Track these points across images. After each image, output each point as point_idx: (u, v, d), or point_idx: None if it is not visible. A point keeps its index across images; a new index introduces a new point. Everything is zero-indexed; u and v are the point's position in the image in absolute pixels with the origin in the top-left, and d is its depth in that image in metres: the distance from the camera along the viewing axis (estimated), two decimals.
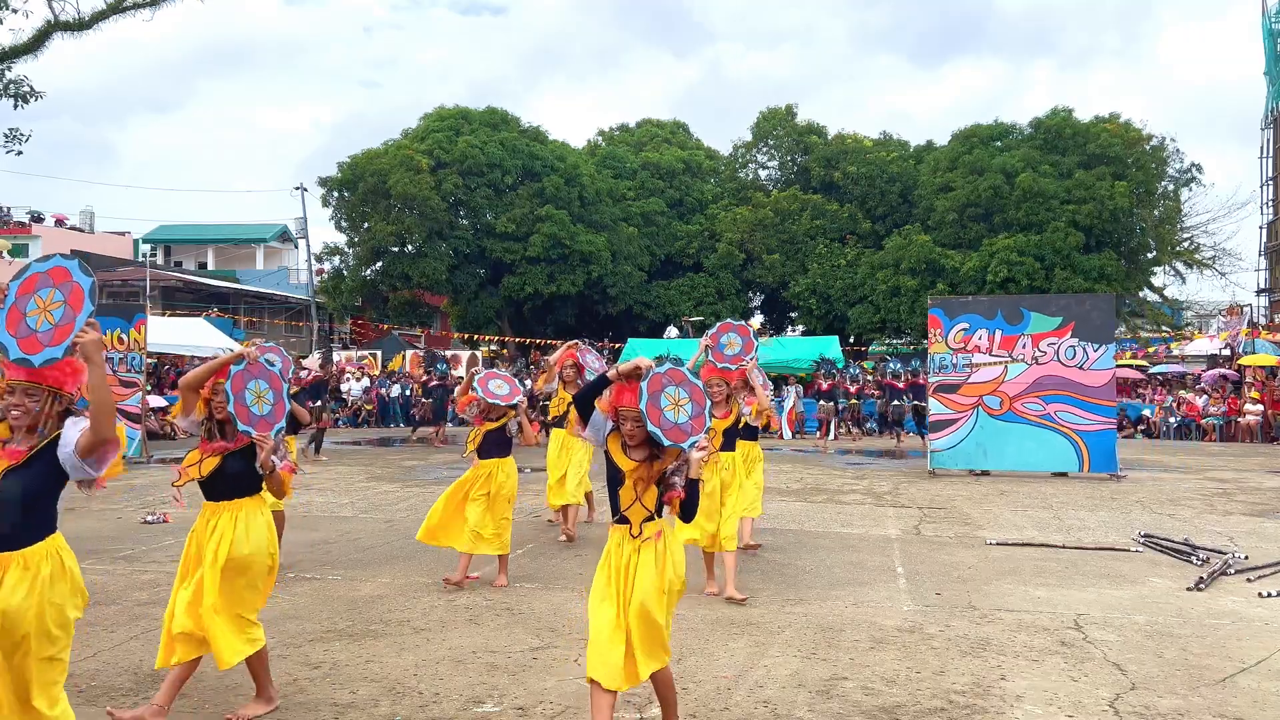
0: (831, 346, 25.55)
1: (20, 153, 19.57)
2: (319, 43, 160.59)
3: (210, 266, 49.66)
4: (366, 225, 34.47)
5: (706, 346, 6.97)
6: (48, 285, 3.36)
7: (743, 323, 7.35)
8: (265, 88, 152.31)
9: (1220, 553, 8.08)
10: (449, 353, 29.66)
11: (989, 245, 31.72)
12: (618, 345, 31.54)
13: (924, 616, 6.12)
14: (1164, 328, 35.92)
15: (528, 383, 9.44)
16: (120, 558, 7.99)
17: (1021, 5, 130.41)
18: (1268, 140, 37.53)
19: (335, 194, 34.90)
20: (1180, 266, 38.18)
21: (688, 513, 3.89)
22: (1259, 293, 38.14)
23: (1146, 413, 24.31)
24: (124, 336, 16.15)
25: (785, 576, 7.29)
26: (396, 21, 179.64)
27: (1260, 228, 38.31)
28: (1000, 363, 14.05)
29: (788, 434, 22.57)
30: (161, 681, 4.32)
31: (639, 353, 18.35)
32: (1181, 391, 25.53)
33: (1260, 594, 6.71)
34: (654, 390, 3.86)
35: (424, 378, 23.81)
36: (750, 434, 7.73)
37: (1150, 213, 33.61)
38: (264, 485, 4.41)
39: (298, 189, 37.18)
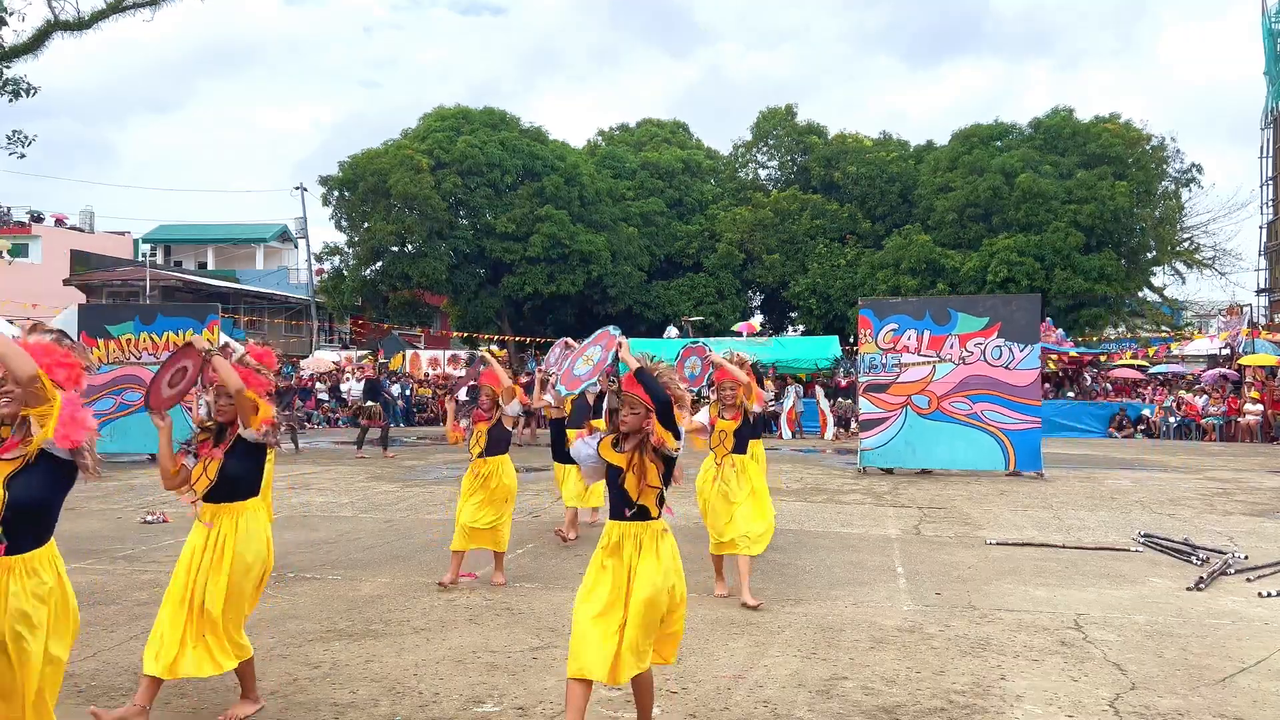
0: (831, 346, 25.57)
1: (23, 155, 19.65)
2: (319, 43, 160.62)
3: (210, 266, 49.67)
4: (366, 225, 34.47)
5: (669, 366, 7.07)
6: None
7: (699, 343, 7.60)
8: (265, 88, 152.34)
9: (1220, 553, 8.08)
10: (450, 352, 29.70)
11: (989, 245, 31.72)
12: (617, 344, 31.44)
13: (924, 616, 6.12)
14: (1164, 328, 35.92)
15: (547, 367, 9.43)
16: (120, 558, 7.99)
17: (1020, 5, 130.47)
18: (1268, 140, 37.53)
19: (335, 194, 34.90)
20: (1180, 266, 38.19)
21: (665, 415, 3.88)
22: (1259, 292, 38.14)
23: (1146, 412, 24.31)
24: (196, 336, 16.15)
25: (785, 576, 7.29)
26: (396, 21, 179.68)
27: (1260, 228, 38.32)
28: (928, 363, 14.20)
29: (787, 434, 22.60)
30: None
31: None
32: (1181, 391, 25.53)
33: (1260, 594, 6.71)
34: (580, 353, 4.22)
35: (457, 380, 23.80)
36: (753, 433, 7.75)
37: (1150, 213, 33.61)
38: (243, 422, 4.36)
39: (297, 189, 37.25)
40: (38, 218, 43.10)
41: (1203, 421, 23.59)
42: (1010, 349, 13.99)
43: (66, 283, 37.07)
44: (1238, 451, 19.81)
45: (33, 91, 18.96)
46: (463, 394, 7.46)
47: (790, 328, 38.35)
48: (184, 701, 4.54)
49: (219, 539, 4.26)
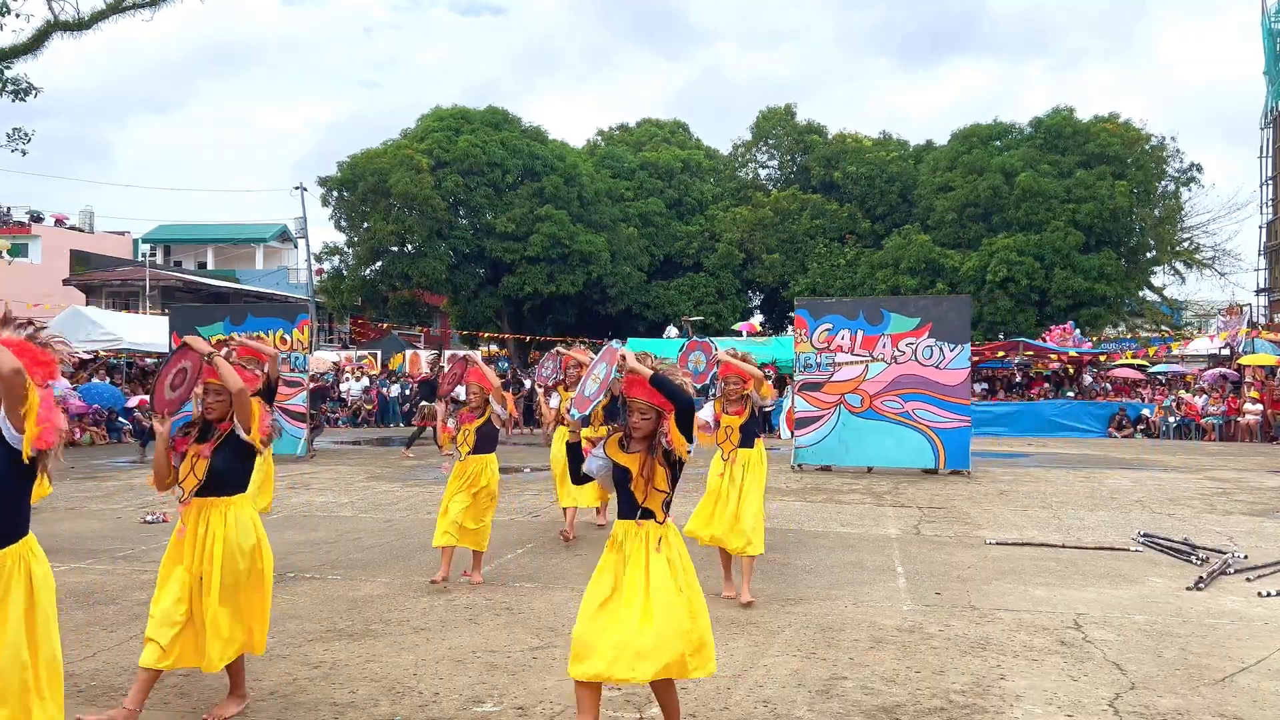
0: None
1: (25, 152, 19.69)
2: (319, 43, 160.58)
3: (210, 266, 49.68)
4: (366, 225, 34.49)
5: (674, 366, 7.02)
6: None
7: (706, 340, 7.56)
8: (265, 88, 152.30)
9: (1220, 552, 8.08)
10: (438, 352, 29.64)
11: (989, 245, 31.73)
12: (617, 343, 31.50)
13: (924, 616, 6.12)
14: (1164, 328, 35.94)
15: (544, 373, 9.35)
16: (120, 558, 7.99)
17: (1019, 4, 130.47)
18: (1267, 140, 37.55)
19: (335, 193, 34.92)
20: (1180, 266, 38.23)
21: (684, 420, 3.88)
22: (1258, 292, 38.16)
23: (1146, 412, 24.31)
24: (287, 337, 16.15)
25: (785, 576, 7.30)
26: (396, 21, 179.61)
27: (1260, 228, 38.34)
28: (861, 362, 14.32)
29: (786, 434, 22.57)
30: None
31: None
32: (1181, 391, 25.53)
33: (1260, 593, 6.71)
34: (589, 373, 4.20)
35: (443, 375, 23.80)
36: (748, 440, 7.76)
37: (1150, 212, 33.64)
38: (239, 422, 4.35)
39: (297, 189, 37.18)
40: (37, 218, 43.10)
41: (1202, 421, 23.60)
42: (941, 349, 14.16)
43: (66, 283, 37.09)
44: (1237, 451, 19.82)
45: (35, 93, 18.99)
46: (462, 392, 7.42)
47: (790, 328, 38.40)
48: (184, 702, 4.55)
49: (207, 532, 4.24)
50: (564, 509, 9.10)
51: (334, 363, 30.55)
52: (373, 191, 33.38)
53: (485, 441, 7.07)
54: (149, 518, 9.93)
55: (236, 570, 4.26)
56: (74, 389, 19.63)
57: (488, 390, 7.10)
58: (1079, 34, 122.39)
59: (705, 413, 6.79)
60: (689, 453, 3.92)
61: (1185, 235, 37.85)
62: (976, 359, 28.30)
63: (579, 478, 4.06)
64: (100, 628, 5.80)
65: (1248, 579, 7.18)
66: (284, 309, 17.33)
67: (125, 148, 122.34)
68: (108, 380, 21.84)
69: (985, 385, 27.22)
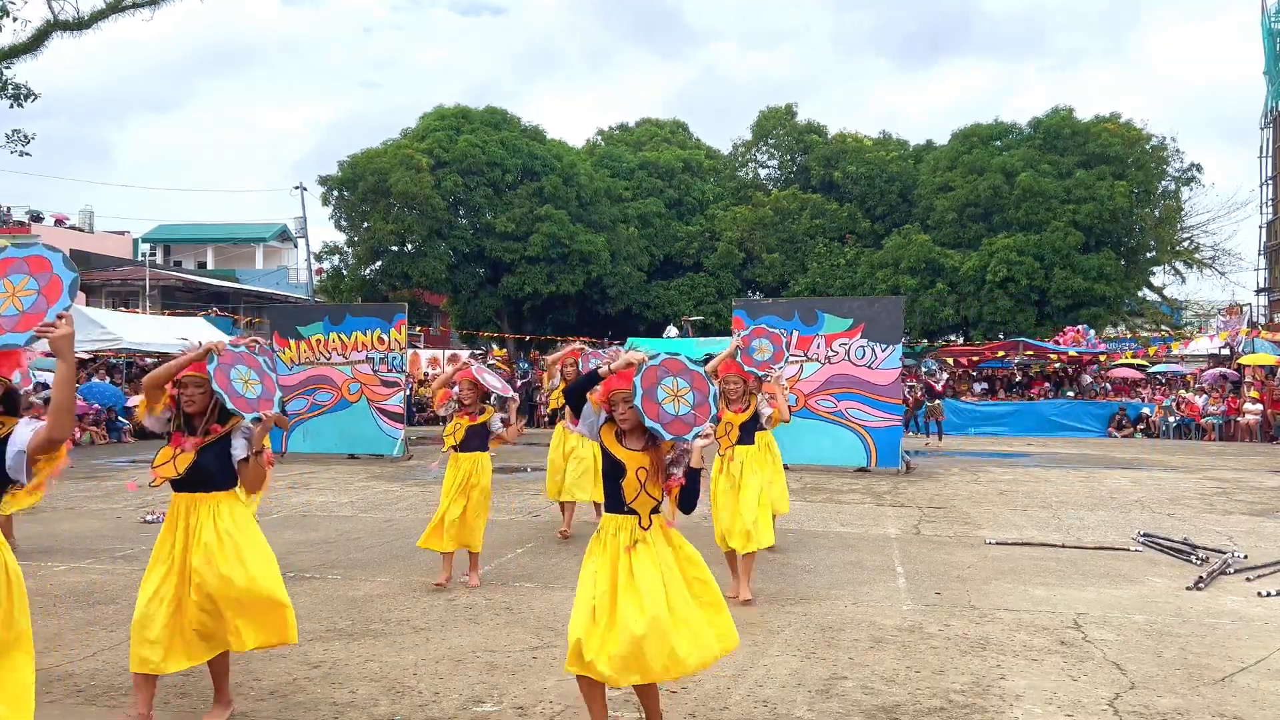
0: None
1: (27, 154, 19.77)
2: (319, 43, 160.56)
3: (210, 266, 49.68)
4: (366, 224, 34.47)
5: (738, 348, 6.93)
6: (22, 271, 3.16)
7: (776, 330, 7.36)
8: (265, 88, 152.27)
9: (1220, 552, 8.09)
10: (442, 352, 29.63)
11: (988, 245, 31.74)
12: (618, 344, 31.49)
13: (923, 616, 6.12)
14: (1163, 327, 35.93)
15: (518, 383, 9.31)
16: (120, 557, 7.99)
17: (1017, 4, 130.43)
18: (1267, 140, 37.53)
19: (335, 193, 34.91)
20: (1180, 266, 38.22)
21: (687, 503, 3.86)
22: (1258, 292, 38.15)
23: (1146, 411, 24.31)
24: (384, 336, 16.13)
25: (785, 576, 7.30)
26: (396, 22, 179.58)
27: (1260, 227, 38.32)
28: (796, 362, 14.38)
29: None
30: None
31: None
32: (1181, 391, 25.53)
33: (1259, 593, 6.72)
34: (649, 384, 3.77)
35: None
36: (747, 437, 7.75)
37: (1150, 212, 33.63)
38: (240, 481, 4.30)
39: (297, 188, 37.26)
40: (37, 217, 43.10)
41: (1202, 421, 23.60)
42: (873, 349, 14.31)
43: None
44: (1237, 451, 19.82)
45: (33, 97, 19.04)
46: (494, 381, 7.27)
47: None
48: (183, 701, 4.55)
49: (197, 527, 4.15)
50: (561, 505, 9.08)
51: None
52: (373, 191, 33.38)
53: (477, 439, 7.03)
54: (149, 517, 9.93)
55: (248, 558, 4.18)
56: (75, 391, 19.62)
57: (481, 389, 7.06)
58: (1078, 34, 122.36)
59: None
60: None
61: (1185, 235, 37.85)
62: (976, 358, 28.38)
63: (577, 406, 3.96)
64: (100, 627, 5.80)
65: (1247, 579, 7.18)
66: (383, 309, 17.23)
67: (125, 148, 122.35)
68: (108, 380, 21.84)
69: (985, 385, 27.22)
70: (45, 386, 19.35)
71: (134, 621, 4.11)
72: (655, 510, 3.86)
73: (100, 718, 4.34)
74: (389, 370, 16.27)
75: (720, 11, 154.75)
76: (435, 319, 43.12)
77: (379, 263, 35.32)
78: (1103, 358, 28.31)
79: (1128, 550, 8.37)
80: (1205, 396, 24.28)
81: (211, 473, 4.23)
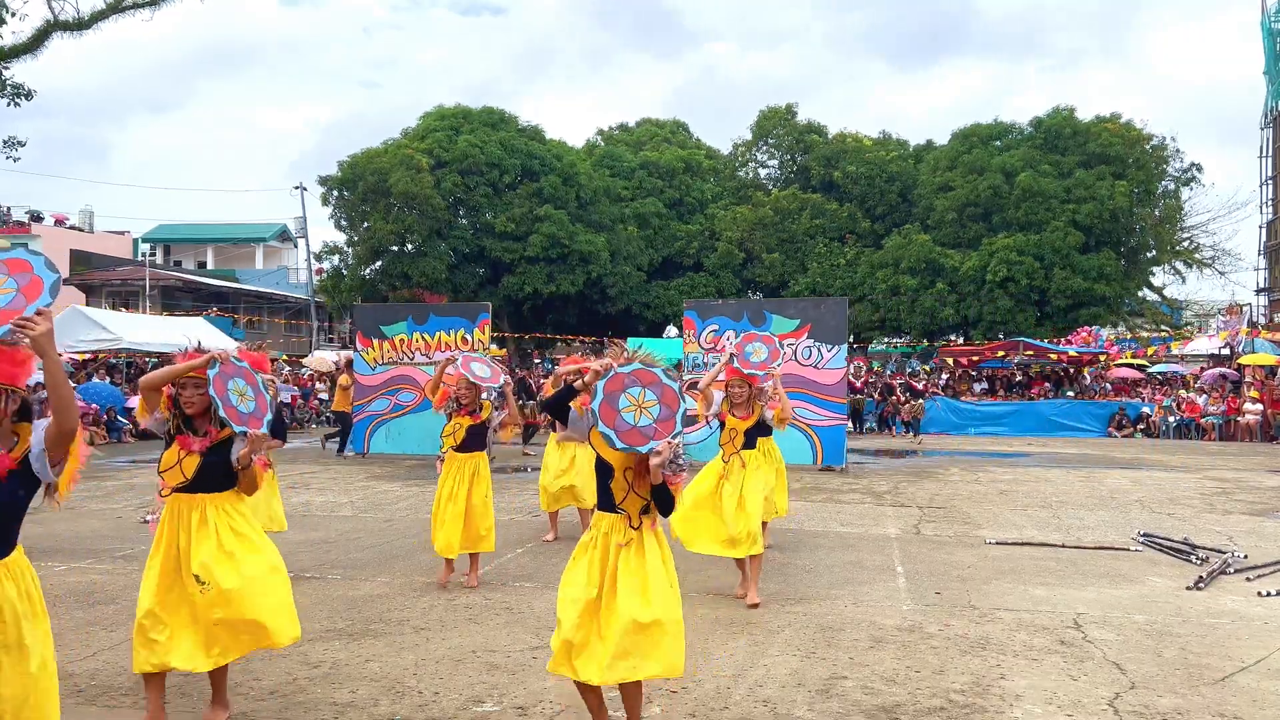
0: None
1: (18, 159, 19.79)
2: (318, 43, 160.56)
3: (210, 266, 49.68)
4: (366, 224, 34.48)
5: (732, 355, 6.95)
6: (0, 272, 3.14)
7: (767, 332, 7.39)
8: (265, 88, 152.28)
9: (1220, 552, 8.09)
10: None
11: (988, 245, 31.74)
12: (617, 342, 31.49)
13: (923, 616, 6.12)
14: (1164, 327, 35.94)
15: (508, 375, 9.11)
16: (120, 557, 7.99)
17: (1016, 4, 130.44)
18: (1267, 140, 37.52)
19: (335, 193, 34.91)
20: (1180, 266, 38.22)
21: (662, 509, 3.86)
22: (1258, 292, 38.15)
23: (1146, 411, 24.32)
24: (468, 336, 16.09)
25: (785, 576, 7.30)
26: (396, 22, 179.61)
27: (1260, 227, 38.32)
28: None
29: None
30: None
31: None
32: (1181, 391, 25.53)
33: (1259, 593, 6.72)
34: (611, 390, 3.76)
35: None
36: (762, 430, 7.78)
37: (1150, 212, 33.64)
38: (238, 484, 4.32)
39: (297, 188, 37.24)
40: (37, 217, 43.12)
41: (1202, 421, 23.60)
42: (819, 349, 14.48)
43: (66, 282, 37.04)
44: (1237, 451, 19.82)
45: (31, 96, 19.07)
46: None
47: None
48: (184, 701, 4.54)
49: (197, 529, 4.17)
50: (550, 516, 9.02)
51: (334, 363, 30.50)
52: (372, 191, 33.39)
53: (476, 440, 7.02)
54: (149, 517, 9.92)
55: (257, 549, 4.23)
56: (74, 389, 19.62)
57: (479, 389, 7.03)
58: (1078, 34, 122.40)
59: (715, 404, 6.83)
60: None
61: (1185, 235, 37.85)
62: (976, 358, 28.38)
63: (561, 416, 4.05)
64: (100, 628, 5.80)
65: (1247, 579, 7.18)
66: (466, 309, 17.15)
67: (125, 148, 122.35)
68: (108, 380, 21.84)
69: (985, 385, 27.23)
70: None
71: (136, 624, 4.12)
72: (645, 511, 3.87)
73: (100, 718, 4.34)
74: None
75: (719, 12, 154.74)
76: None
77: (379, 263, 35.33)
78: (1103, 357, 28.32)
79: (1128, 550, 8.37)
80: (1205, 396, 24.28)
81: (216, 474, 4.24)
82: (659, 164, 37.73)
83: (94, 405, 19.45)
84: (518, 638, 5.59)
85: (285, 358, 31.38)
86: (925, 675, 4.92)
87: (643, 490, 3.85)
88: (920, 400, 23.57)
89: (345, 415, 17.16)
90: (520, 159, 34.63)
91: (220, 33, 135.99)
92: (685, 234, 36.90)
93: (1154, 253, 34.75)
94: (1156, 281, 37.68)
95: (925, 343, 35.16)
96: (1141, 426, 23.86)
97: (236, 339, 29.33)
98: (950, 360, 29.37)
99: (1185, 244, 37.93)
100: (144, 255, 47.34)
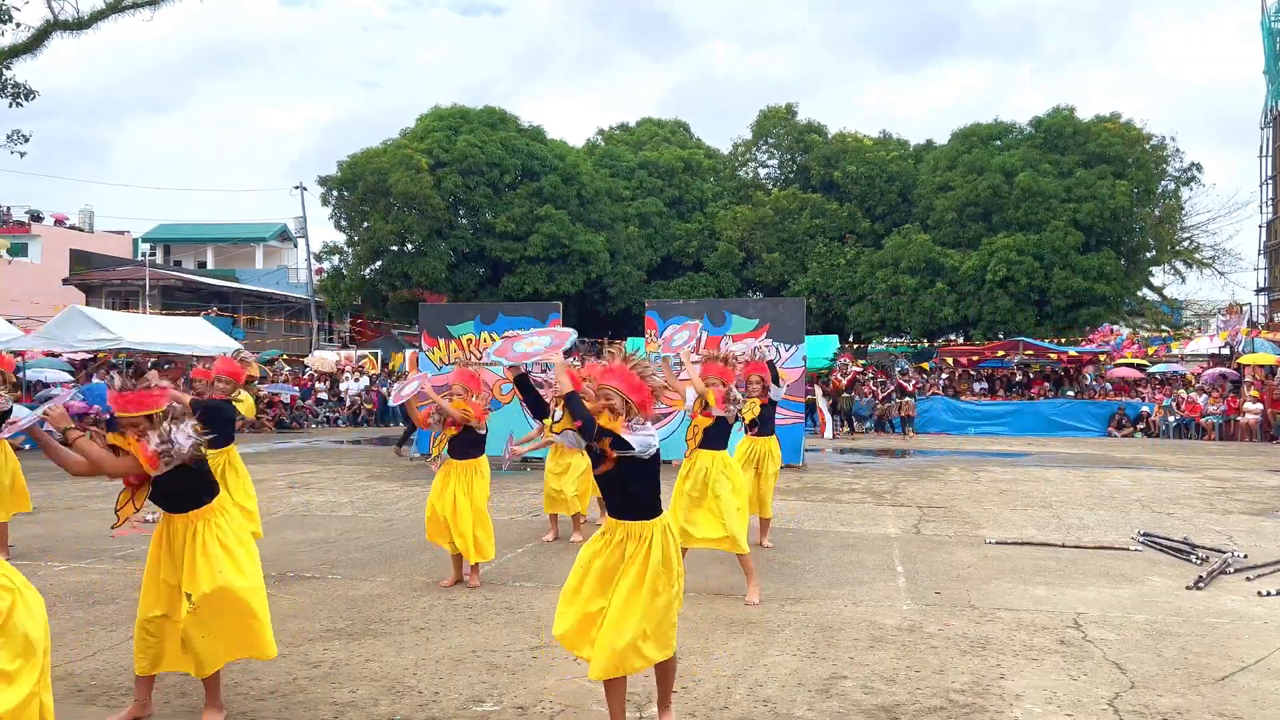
0: (830, 346, 25.58)
1: (23, 154, 19.77)
2: (318, 43, 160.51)
3: (210, 266, 49.66)
4: (366, 224, 34.49)
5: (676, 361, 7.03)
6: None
7: (726, 332, 7.50)
8: (265, 88, 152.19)
9: (1220, 552, 8.09)
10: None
11: (988, 244, 31.74)
12: (618, 344, 31.53)
13: (923, 615, 6.12)
14: (1163, 327, 35.93)
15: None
16: (120, 557, 7.99)
17: (1017, 4, 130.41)
18: (1268, 140, 37.50)
19: (335, 193, 34.92)
20: (1180, 266, 38.20)
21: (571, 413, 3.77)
22: (1258, 292, 38.13)
23: (1146, 410, 24.31)
24: None
25: (784, 575, 7.30)
26: (396, 22, 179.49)
27: (1260, 227, 38.30)
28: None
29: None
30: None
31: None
32: (1181, 390, 25.53)
33: (1259, 593, 6.72)
34: (506, 348, 4.39)
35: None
36: (765, 429, 7.81)
37: (1150, 212, 33.63)
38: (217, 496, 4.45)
39: (297, 188, 37.22)
40: (37, 217, 43.11)
41: (1202, 421, 23.60)
42: (778, 349, 14.53)
43: (66, 282, 37.10)
44: (1237, 451, 19.82)
45: (32, 96, 19.05)
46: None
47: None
48: (183, 701, 4.55)
49: (195, 540, 4.27)
50: (551, 516, 9.02)
51: (334, 362, 30.53)
52: (372, 191, 33.39)
53: (472, 446, 7.01)
54: (149, 517, 9.92)
55: (250, 558, 4.35)
56: (74, 389, 19.63)
57: (470, 393, 7.03)
58: (1078, 34, 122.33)
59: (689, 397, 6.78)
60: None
61: (1185, 235, 37.84)
62: (976, 358, 28.38)
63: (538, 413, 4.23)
64: (100, 627, 5.80)
65: (1247, 578, 7.18)
66: (536, 308, 17.06)
67: (124, 147, 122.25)
68: (108, 379, 21.83)
69: (985, 385, 27.23)
70: (44, 385, 19.37)
71: (136, 627, 4.25)
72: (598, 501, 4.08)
73: (100, 718, 4.34)
74: (543, 370, 16.12)
75: (717, 13, 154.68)
76: None
77: (379, 262, 35.33)
78: (1102, 357, 28.32)
79: (1128, 550, 8.37)
80: (1205, 396, 24.28)
81: (181, 493, 4.39)
82: (659, 164, 37.73)
83: (94, 405, 19.45)
84: (518, 638, 5.59)
85: (285, 357, 31.38)
86: (925, 675, 4.92)
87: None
88: (910, 399, 23.80)
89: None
90: (521, 159, 34.63)
91: (220, 33, 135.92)
92: (685, 233, 36.90)
93: (1154, 253, 34.74)
94: (1156, 281, 37.68)
95: (925, 342, 35.15)
96: (1141, 426, 23.86)
97: (237, 338, 29.34)
98: (950, 360, 29.37)
99: (1185, 244, 37.92)
100: (144, 255, 47.32)
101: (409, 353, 32.95)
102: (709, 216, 37.11)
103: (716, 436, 6.68)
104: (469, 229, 35.15)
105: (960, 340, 34.14)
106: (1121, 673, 4.99)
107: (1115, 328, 28.00)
